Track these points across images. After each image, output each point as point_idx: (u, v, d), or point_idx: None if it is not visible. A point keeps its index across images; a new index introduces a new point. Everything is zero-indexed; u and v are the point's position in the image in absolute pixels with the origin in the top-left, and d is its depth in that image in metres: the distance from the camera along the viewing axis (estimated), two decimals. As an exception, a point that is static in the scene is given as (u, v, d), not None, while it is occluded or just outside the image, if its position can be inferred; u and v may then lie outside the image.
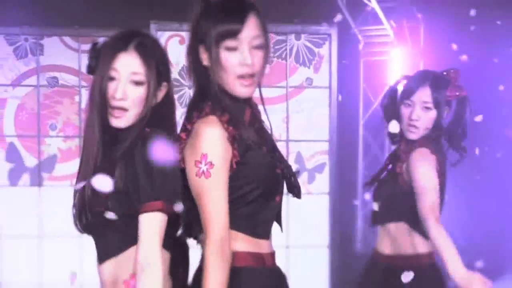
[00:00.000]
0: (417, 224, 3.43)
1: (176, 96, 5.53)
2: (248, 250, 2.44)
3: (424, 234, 3.40)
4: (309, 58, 5.82)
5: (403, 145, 3.53)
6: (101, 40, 2.55)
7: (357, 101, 6.05)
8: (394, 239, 3.52)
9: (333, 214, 5.77)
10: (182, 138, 2.43)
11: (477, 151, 4.22)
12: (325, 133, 5.81)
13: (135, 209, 2.34)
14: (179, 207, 2.38)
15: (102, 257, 2.47)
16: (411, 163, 3.41)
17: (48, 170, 5.61)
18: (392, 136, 3.59)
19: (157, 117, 2.49)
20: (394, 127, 3.44)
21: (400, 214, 3.50)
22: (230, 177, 2.39)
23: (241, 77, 2.43)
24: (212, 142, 2.36)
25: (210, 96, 2.45)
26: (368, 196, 3.77)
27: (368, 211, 5.26)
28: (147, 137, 2.40)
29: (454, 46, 5.27)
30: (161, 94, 2.52)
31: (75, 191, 2.49)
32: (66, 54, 5.60)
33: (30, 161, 5.61)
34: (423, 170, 3.37)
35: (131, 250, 2.38)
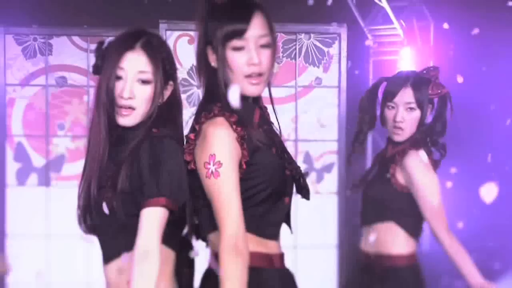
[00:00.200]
0: (406, 224, 3.48)
1: (184, 96, 5.60)
2: (257, 251, 2.43)
3: (413, 234, 3.47)
4: (318, 58, 5.80)
5: (391, 147, 3.54)
6: (107, 40, 2.54)
7: (366, 101, 6.03)
8: (381, 238, 3.51)
9: (342, 214, 5.75)
10: (191, 139, 2.43)
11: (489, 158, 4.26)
12: (334, 133, 5.79)
13: (140, 208, 2.34)
14: (182, 204, 2.39)
15: (108, 257, 2.47)
16: (409, 166, 3.41)
17: (56, 170, 5.60)
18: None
19: (163, 116, 2.49)
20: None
21: (390, 215, 3.50)
22: (239, 178, 2.38)
23: (249, 76, 2.43)
24: (220, 142, 2.36)
25: (219, 97, 2.45)
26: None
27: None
28: (154, 137, 2.40)
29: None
30: (167, 93, 2.52)
31: (80, 192, 2.49)
32: (75, 54, 5.59)
33: (38, 161, 5.61)
34: (424, 173, 3.40)
35: (136, 251, 2.37)
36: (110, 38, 2.57)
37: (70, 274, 5.55)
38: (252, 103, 2.52)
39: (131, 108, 2.45)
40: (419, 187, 3.40)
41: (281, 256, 2.51)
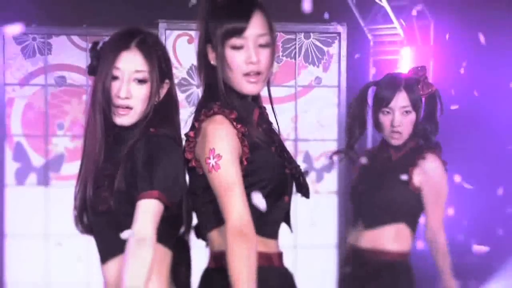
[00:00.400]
0: (414, 224, 3.58)
1: (184, 96, 5.60)
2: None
3: (415, 232, 3.58)
4: (318, 57, 5.79)
5: (393, 151, 3.55)
6: (102, 40, 2.54)
7: (366, 101, 6.02)
8: (387, 238, 3.55)
9: (341, 214, 5.74)
10: (191, 137, 2.44)
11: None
12: (334, 133, 5.78)
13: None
14: (179, 203, 2.38)
15: (105, 257, 2.47)
16: (429, 169, 3.49)
17: (55, 169, 5.59)
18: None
19: (160, 115, 2.49)
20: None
21: (403, 217, 3.55)
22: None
23: (247, 74, 2.44)
24: (219, 137, 2.37)
25: (219, 96, 2.45)
26: None
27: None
28: (151, 136, 2.40)
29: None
30: (163, 91, 2.52)
31: (76, 193, 2.49)
32: (74, 53, 5.59)
33: (37, 160, 5.60)
34: (442, 176, 3.52)
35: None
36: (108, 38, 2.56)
37: (69, 274, 5.55)
38: (251, 102, 2.53)
39: (128, 107, 2.46)
40: (434, 189, 3.50)
41: (280, 255, 2.51)
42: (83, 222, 2.50)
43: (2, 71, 5.56)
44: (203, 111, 2.43)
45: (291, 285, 2.54)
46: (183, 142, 2.49)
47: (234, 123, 2.40)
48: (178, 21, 5.59)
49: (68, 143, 5.62)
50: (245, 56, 2.42)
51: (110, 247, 2.44)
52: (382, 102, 3.50)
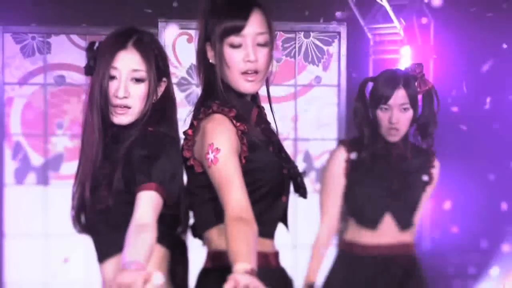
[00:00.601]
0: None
1: (183, 95, 5.60)
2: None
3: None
4: (318, 56, 5.79)
5: (394, 148, 3.56)
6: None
7: (366, 100, 6.00)
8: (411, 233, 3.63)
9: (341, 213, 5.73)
10: (189, 135, 2.44)
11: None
12: (334, 132, 5.78)
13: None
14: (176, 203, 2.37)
15: (103, 256, 2.47)
16: (436, 174, 3.61)
17: (54, 169, 5.59)
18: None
19: (158, 114, 2.49)
20: None
21: (417, 218, 3.67)
22: None
23: (245, 73, 2.44)
24: (218, 132, 2.36)
25: (218, 94, 2.45)
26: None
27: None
28: (149, 134, 2.39)
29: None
30: (161, 90, 2.52)
31: (74, 193, 2.49)
32: (73, 53, 5.59)
33: (37, 160, 5.60)
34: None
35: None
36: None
37: (68, 273, 5.54)
38: (250, 101, 2.52)
39: (126, 107, 2.45)
40: (432, 190, 3.66)
41: (276, 254, 2.51)
42: (81, 222, 2.49)
43: (1, 70, 5.56)
44: (202, 109, 2.43)
45: (288, 285, 2.54)
46: (181, 141, 2.48)
47: (234, 121, 2.39)
48: (177, 20, 5.58)
49: (67, 143, 5.62)
50: (243, 54, 2.42)
51: (108, 247, 2.44)
52: (381, 99, 3.49)
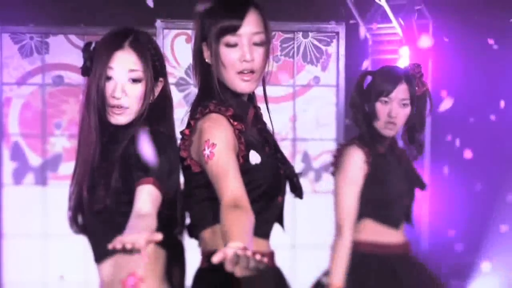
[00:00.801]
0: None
1: (182, 95, 5.59)
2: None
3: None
4: (316, 57, 5.79)
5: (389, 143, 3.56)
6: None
7: (364, 100, 6.00)
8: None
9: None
10: (186, 135, 2.44)
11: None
12: (332, 132, 5.78)
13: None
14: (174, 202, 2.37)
15: (100, 256, 2.48)
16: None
17: (52, 169, 5.59)
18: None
19: (155, 113, 2.48)
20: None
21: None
22: None
23: (241, 72, 2.44)
24: (215, 130, 2.36)
25: (214, 94, 2.46)
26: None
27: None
28: (146, 134, 2.39)
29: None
30: (158, 89, 2.52)
31: (71, 193, 2.48)
32: (71, 53, 5.58)
33: (35, 160, 5.60)
34: None
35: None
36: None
37: (67, 273, 5.54)
38: (246, 101, 2.52)
39: (124, 107, 2.45)
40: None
41: (271, 254, 2.51)
42: (78, 223, 2.49)
43: (0, 71, 5.55)
44: (199, 109, 2.44)
45: (283, 285, 2.54)
46: (178, 141, 2.48)
47: (231, 120, 2.39)
48: (175, 20, 5.58)
49: (65, 143, 5.61)
50: (239, 54, 2.42)
51: (106, 247, 2.43)
52: (382, 92, 3.49)
